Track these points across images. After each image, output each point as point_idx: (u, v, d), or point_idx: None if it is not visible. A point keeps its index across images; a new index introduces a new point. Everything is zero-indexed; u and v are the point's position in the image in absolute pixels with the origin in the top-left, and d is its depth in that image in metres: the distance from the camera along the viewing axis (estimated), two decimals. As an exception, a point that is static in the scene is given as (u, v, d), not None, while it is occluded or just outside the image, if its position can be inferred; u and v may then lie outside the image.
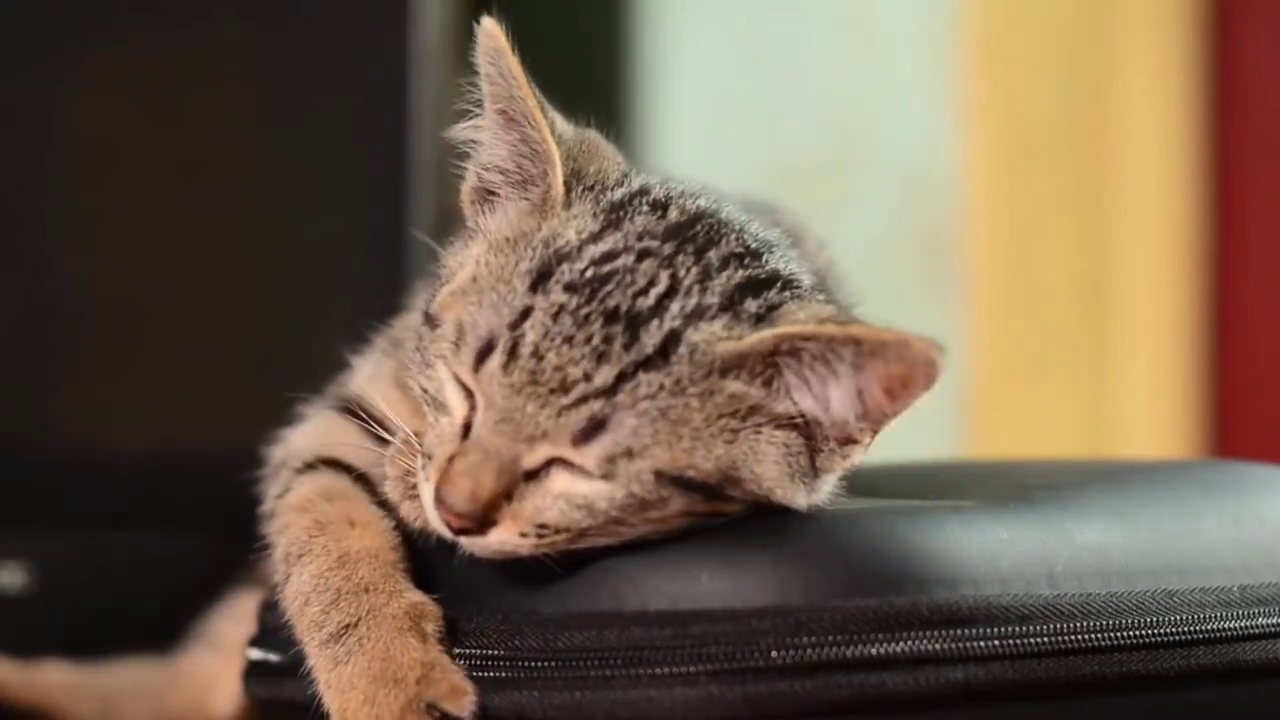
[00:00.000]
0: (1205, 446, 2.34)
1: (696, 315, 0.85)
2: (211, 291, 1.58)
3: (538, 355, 0.83)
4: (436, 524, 0.86)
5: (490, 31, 0.90)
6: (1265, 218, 2.38)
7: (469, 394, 0.86)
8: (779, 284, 0.88)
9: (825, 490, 0.89)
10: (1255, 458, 1.10)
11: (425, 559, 0.90)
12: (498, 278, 0.87)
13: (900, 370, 0.83)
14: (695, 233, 0.89)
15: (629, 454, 0.83)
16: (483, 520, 0.84)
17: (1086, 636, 0.86)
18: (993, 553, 0.87)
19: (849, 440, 0.87)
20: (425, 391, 0.88)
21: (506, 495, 0.84)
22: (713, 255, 0.88)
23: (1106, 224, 2.30)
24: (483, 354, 0.85)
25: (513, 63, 0.89)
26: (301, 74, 1.60)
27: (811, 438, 0.86)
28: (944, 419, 2.21)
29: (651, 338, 0.84)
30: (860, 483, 1.02)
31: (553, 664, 0.85)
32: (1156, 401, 2.33)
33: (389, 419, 0.93)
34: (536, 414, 0.83)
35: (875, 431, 0.87)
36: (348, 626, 0.87)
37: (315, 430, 1.00)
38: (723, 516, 0.86)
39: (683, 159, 2.19)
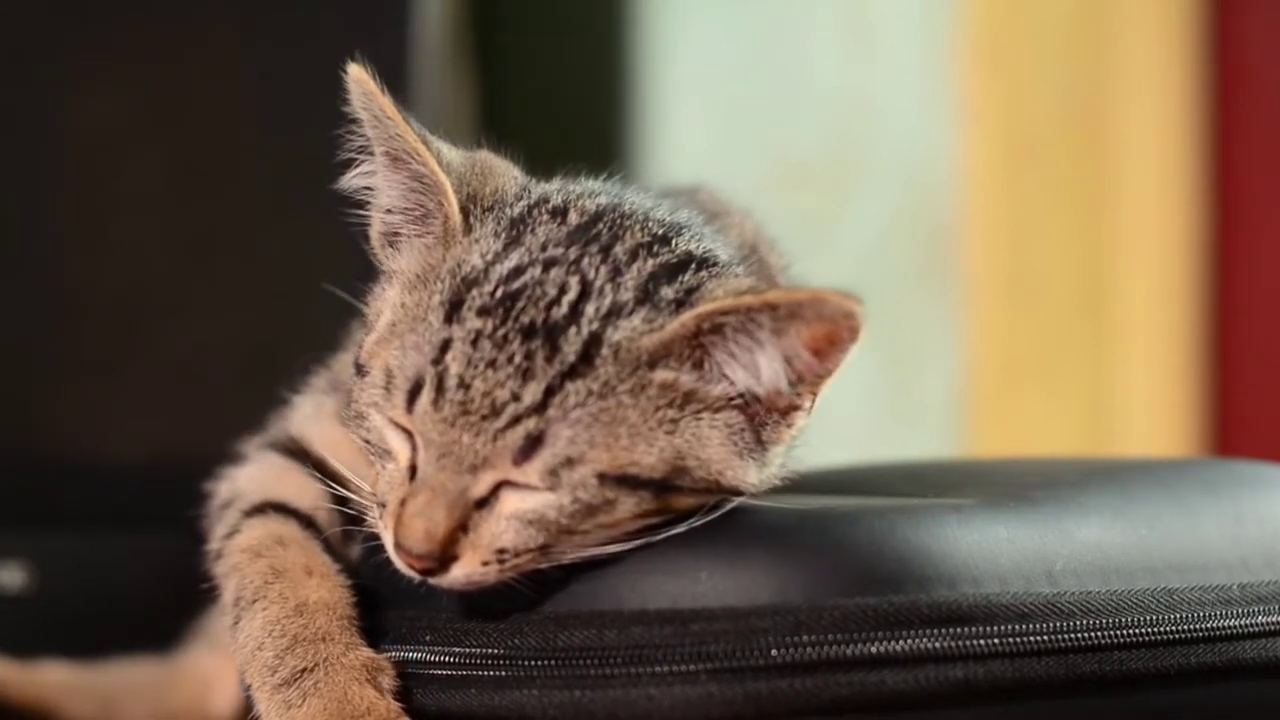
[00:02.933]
0: (1205, 445, 2.34)
1: (614, 314, 0.85)
2: (211, 292, 1.58)
3: (464, 385, 0.83)
4: (402, 569, 0.85)
5: (357, 77, 0.89)
6: (1265, 217, 2.38)
7: (409, 436, 0.86)
8: (693, 265, 0.88)
9: (776, 463, 0.89)
10: (1255, 457, 1.10)
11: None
12: (414, 316, 0.87)
13: (822, 328, 0.83)
14: (598, 232, 0.88)
15: (569, 463, 0.83)
16: (443, 557, 0.84)
17: (1086, 635, 0.86)
18: (992, 551, 0.87)
19: (791, 408, 0.87)
20: (368, 443, 0.88)
21: (462, 528, 0.84)
22: (619, 250, 0.87)
23: (1106, 224, 2.30)
24: (412, 394, 0.84)
25: (385, 103, 0.89)
26: (301, 74, 1.60)
27: (754, 414, 0.86)
28: (944, 419, 2.21)
29: (572, 346, 0.83)
30: (860, 481, 1.02)
31: (552, 663, 0.85)
32: (1156, 401, 2.33)
33: (329, 462, 0.93)
34: (474, 443, 0.83)
35: (814, 394, 0.87)
36: (303, 671, 0.87)
37: (261, 472, 1.00)
38: (678, 514, 0.85)
39: (683, 159, 2.19)
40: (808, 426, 0.90)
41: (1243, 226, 2.38)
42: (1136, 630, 0.87)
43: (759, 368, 0.85)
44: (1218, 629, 0.90)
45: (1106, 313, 2.30)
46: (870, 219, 2.20)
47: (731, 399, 0.86)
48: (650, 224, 0.90)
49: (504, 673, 0.85)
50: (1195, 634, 0.89)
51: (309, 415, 1.00)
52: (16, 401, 1.55)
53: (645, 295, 0.86)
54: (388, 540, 0.85)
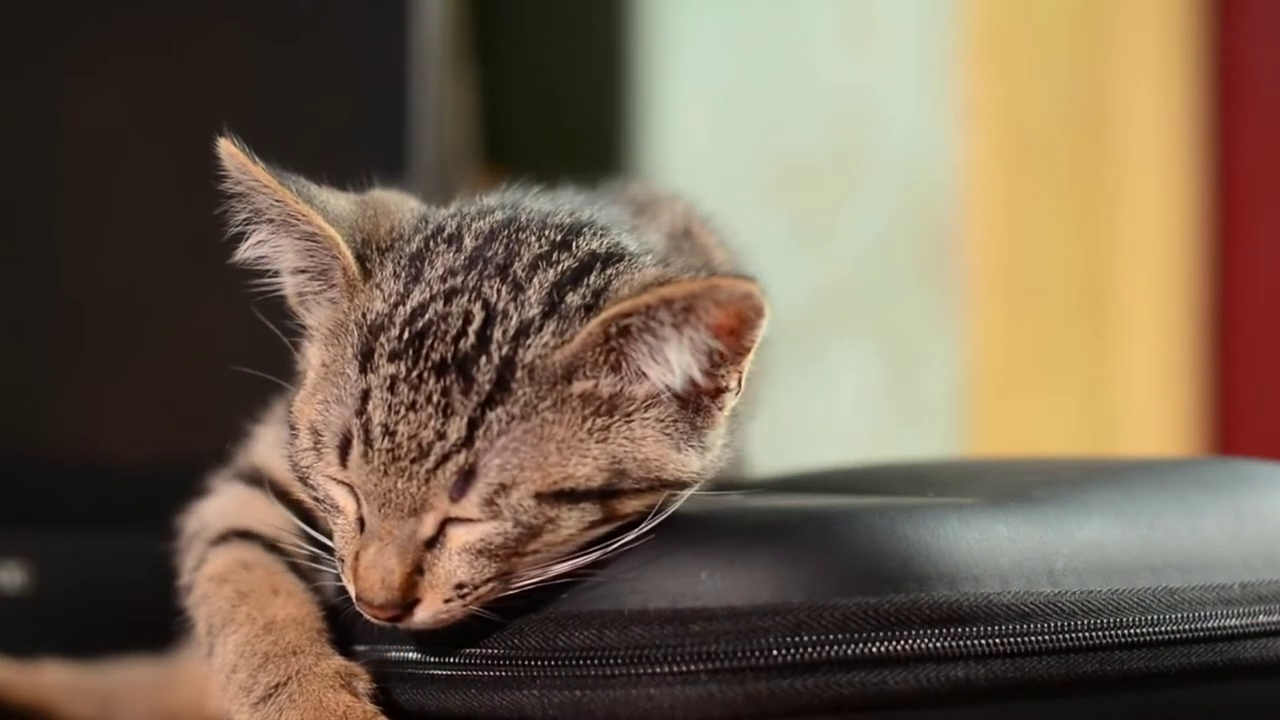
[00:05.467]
0: (1206, 444, 2.34)
1: (522, 333, 0.84)
2: (211, 292, 1.58)
3: (389, 432, 0.83)
4: (370, 619, 0.86)
5: (228, 152, 0.89)
6: (1266, 216, 2.38)
7: (351, 489, 0.86)
8: (597, 264, 0.87)
9: (718, 446, 0.88)
10: (1256, 456, 1.10)
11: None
12: (334, 370, 0.87)
13: (725, 312, 0.83)
14: (493, 252, 0.87)
15: (504, 489, 0.82)
16: (404, 603, 0.84)
17: (1087, 634, 0.86)
18: (993, 550, 0.86)
19: (718, 391, 0.86)
20: (317, 500, 0.88)
21: (418, 570, 0.84)
22: (517, 267, 0.87)
23: (1106, 224, 2.30)
24: (344, 449, 0.84)
25: (258, 172, 0.89)
26: (301, 74, 1.60)
27: (683, 403, 0.86)
28: (944, 419, 2.21)
29: (485, 375, 0.83)
30: (860, 481, 1.02)
31: (553, 663, 0.84)
32: (1157, 400, 2.33)
33: (292, 490, 0.93)
34: (409, 487, 0.83)
35: (739, 373, 0.86)
36: (277, 686, 0.87)
37: (226, 502, 1.00)
38: (629, 519, 0.85)
39: (683, 159, 2.19)
40: (758, 397, 0.91)
41: (1243, 226, 2.38)
42: (1137, 630, 0.87)
43: (671, 361, 0.84)
44: (1219, 628, 0.90)
45: (1106, 313, 2.30)
46: (870, 219, 2.20)
47: (656, 395, 0.85)
48: (547, 231, 0.89)
49: (504, 673, 0.85)
50: (1196, 633, 0.89)
51: (271, 444, 1.00)
52: (16, 401, 1.55)
53: (551, 306, 0.85)
54: (351, 593, 0.86)
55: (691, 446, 0.86)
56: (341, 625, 0.91)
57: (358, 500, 0.85)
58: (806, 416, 2.14)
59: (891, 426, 2.20)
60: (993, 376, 2.22)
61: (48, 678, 1.32)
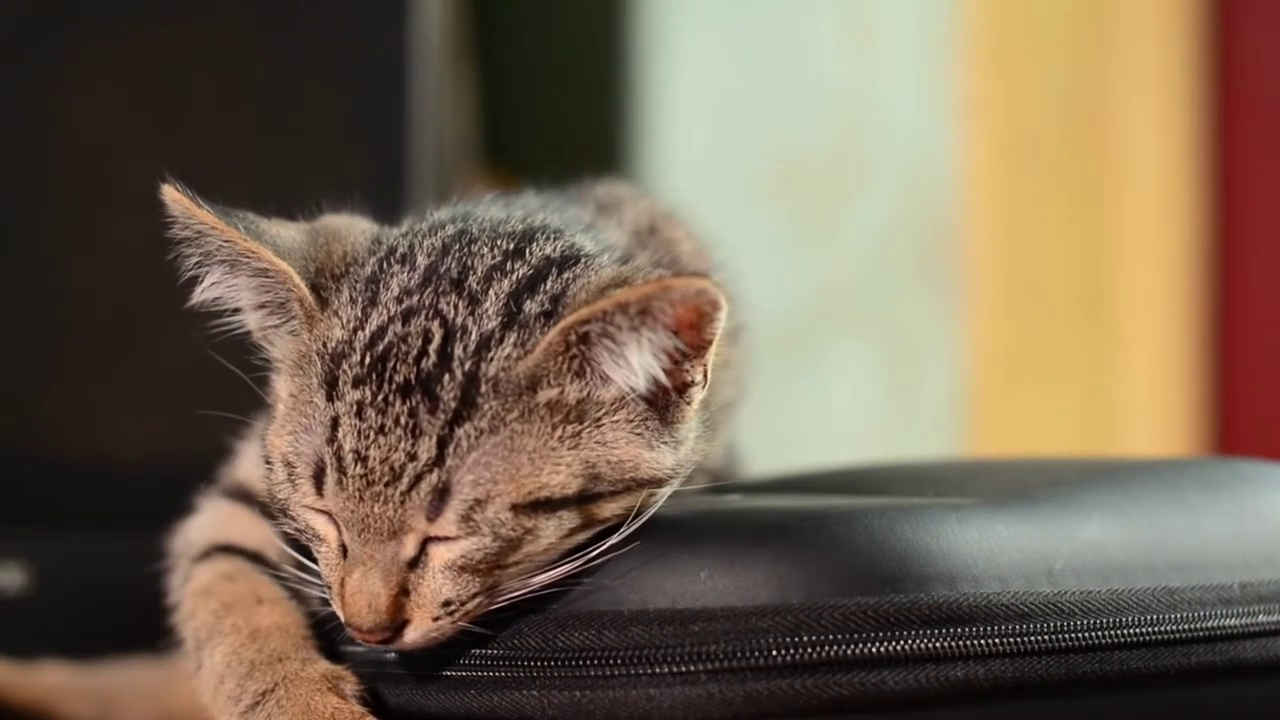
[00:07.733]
0: (1205, 444, 2.34)
1: (483, 347, 0.84)
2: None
3: (361, 458, 0.83)
4: (361, 643, 0.86)
5: (172, 198, 0.89)
6: (1266, 216, 2.38)
7: (330, 516, 0.86)
8: (553, 270, 0.87)
9: (691, 439, 0.88)
10: (1256, 455, 1.10)
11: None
12: (302, 401, 0.87)
13: (681, 310, 0.83)
14: (447, 267, 0.87)
15: (479, 504, 0.82)
16: (393, 625, 0.84)
17: (1086, 634, 0.86)
18: (992, 550, 0.87)
19: (684, 385, 0.86)
20: (299, 531, 0.88)
21: (404, 592, 0.84)
22: (472, 280, 0.86)
23: (1106, 224, 2.30)
24: (318, 478, 0.85)
25: (204, 215, 0.88)
26: (301, 74, 1.60)
27: (651, 403, 0.86)
28: (944, 419, 2.21)
29: (449, 393, 0.83)
30: (860, 481, 1.02)
31: (552, 663, 0.85)
32: (1156, 400, 2.33)
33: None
34: (385, 510, 0.83)
35: (703, 365, 0.86)
36: (265, 693, 0.87)
37: (209, 518, 1.00)
38: (609, 523, 0.85)
39: (683, 158, 2.19)
40: (743, 384, 0.91)
41: (1243, 225, 2.38)
42: (1137, 630, 0.87)
43: (633, 363, 0.84)
44: (1218, 628, 0.90)
45: (1106, 313, 2.30)
46: (871, 218, 2.21)
47: (623, 396, 0.85)
48: (499, 241, 0.89)
49: (503, 673, 0.85)
50: (1195, 634, 0.89)
51: (255, 461, 0.99)
52: (16, 401, 1.55)
53: (510, 317, 0.85)
54: (341, 619, 0.86)
55: (664, 443, 0.86)
56: (339, 628, 0.91)
57: (338, 527, 0.85)
58: (806, 416, 2.15)
59: (891, 426, 2.20)
60: (993, 376, 2.22)
61: (47, 678, 1.32)
